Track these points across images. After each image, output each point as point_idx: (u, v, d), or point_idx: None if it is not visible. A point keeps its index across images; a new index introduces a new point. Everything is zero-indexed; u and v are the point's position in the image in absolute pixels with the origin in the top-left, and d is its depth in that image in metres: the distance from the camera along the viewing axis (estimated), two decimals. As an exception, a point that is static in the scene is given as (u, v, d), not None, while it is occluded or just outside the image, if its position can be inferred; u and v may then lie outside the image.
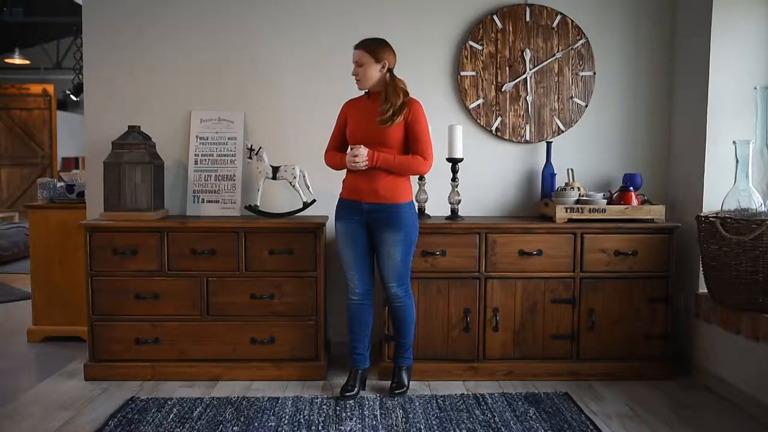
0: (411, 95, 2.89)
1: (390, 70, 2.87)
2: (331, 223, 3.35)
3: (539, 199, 3.55)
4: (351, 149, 2.83)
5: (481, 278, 3.17)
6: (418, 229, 2.94)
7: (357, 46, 2.87)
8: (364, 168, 2.80)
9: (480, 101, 3.52)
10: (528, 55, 3.51)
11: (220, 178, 3.47)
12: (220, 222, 3.16)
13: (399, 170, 2.84)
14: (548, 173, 3.47)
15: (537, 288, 3.17)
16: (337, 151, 3.00)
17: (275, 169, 3.30)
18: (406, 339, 3.01)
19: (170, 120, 3.52)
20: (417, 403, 2.85)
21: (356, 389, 2.92)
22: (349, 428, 2.60)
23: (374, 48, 2.84)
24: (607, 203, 3.24)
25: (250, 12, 3.49)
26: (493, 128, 3.53)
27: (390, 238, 2.84)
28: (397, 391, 2.94)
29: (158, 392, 2.99)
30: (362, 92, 2.97)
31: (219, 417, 2.68)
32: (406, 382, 2.99)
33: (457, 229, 3.16)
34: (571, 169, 3.50)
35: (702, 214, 2.91)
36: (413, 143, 2.86)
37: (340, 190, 2.97)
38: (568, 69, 3.52)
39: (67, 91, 10.25)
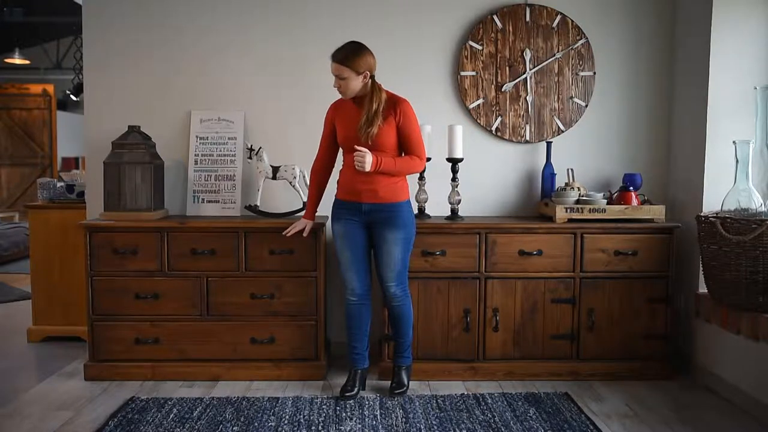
0: (408, 95, 2.88)
1: (372, 77, 2.81)
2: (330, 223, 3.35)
3: (539, 199, 3.55)
4: (356, 150, 2.76)
5: (481, 278, 3.17)
6: (416, 228, 2.95)
7: (335, 60, 2.76)
8: (367, 170, 2.75)
9: (480, 101, 3.52)
10: (528, 55, 3.51)
11: (220, 178, 3.47)
12: (220, 222, 3.16)
13: (399, 173, 2.84)
14: (548, 173, 3.47)
15: (537, 288, 3.17)
16: (325, 158, 2.99)
17: (275, 169, 3.30)
18: (405, 338, 3.01)
19: (170, 120, 3.52)
20: (417, 403, 2.85)
21: (356, 389, 2.92)
22: (349, 428, 2.60)
23: (353, 60, 2.73)
24: (607, 203, 3.24)
25: (250, 12, 3.49)
26: (493, 128, 3.53)
27: (390, 237, 2.85)
28: (397, 391, 2.94)
29: (158, 392, 2.99)
30: None
31: (219, 417, 2.68)
32: (405, 382, 2.99)
33: (457, 229, 3.16)
34: (571, 169, 3.50)
35: (702, 214, 2.91)
36: (407, 144, 2.84)
37: (336, 190, 2.97)
38: (568, 69, 3.52)
39: (67, 91, 10.26)
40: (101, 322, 3.14)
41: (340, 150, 2.97)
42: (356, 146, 2.77)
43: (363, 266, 2.95)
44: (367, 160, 2.73)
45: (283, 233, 3.02)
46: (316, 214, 3.38)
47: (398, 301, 2.94)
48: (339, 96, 2.90)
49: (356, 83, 2.77)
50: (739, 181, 2.91)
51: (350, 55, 2.75)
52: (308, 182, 3.33)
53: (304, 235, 3.03)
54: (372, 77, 2.80)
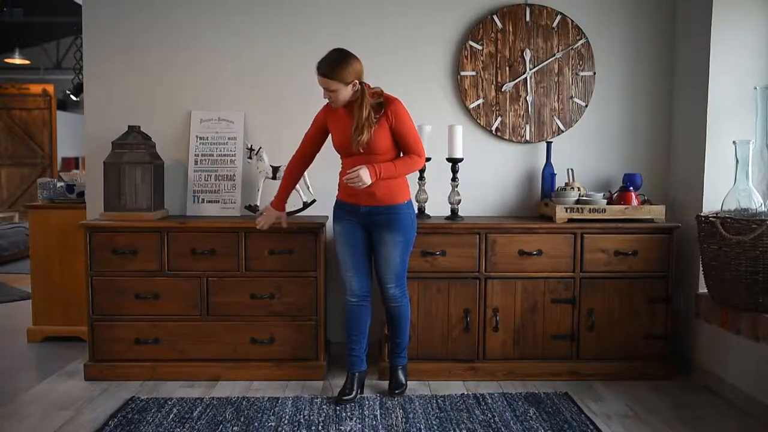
0: (408, 95, 2.86)
1: (361, 83, 2.73)
2: (331, 223, 3.35)
3: (539, 199, 3.55)
4: (348, 170, 2.73)
5: (481, 278, 3.17)
6: (416, 229, 2.93)
7: (321, 74, 2.67)
8: (368, 184, 2.70)
9: (480, 101, 3.52)
10: (528, 55, 3.51)
11: (220, 178, 3.47)
12: (220, 222, 3.16)
13: (402, 175, 2.81)
14: (548, 173, 3.47)
15: (537, 288, 3.17)
16: (306, 155, 2.97)
17: (275, 169, 3.31)
18: (402, 339, 3.00)
19: (170, 120, 3.52)
20: (417, 403, 2.85)
21: (354, 392, 2.90)
22: (349, 428, 2.60)
23: (339, 72, 2.65)
24: (607, 203, 3.24)
25: (250, 12, 3.49)
26: (493, 128, 3.53)
27: (389, 239, 2.84)
28: (396, 391, 2.94)
29: (158, 392, 2.99)
30: None
31: (219, 417, 2.68)
32: (404, 381, 2.99)
33: (457, 229, 3.16)
34: (571, 169, 3.50)
35: (702, 214, 2.91)
36: (405, 144, 2.80)
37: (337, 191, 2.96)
38: (568, 69, 3.52)
39: (67, 91, 10.26)
40: (101, 322, 3.14)
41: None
42: (347, 170, 2.74)
43: (362, 267, 2.94)
44: (363, 176, 2.68)
45: (257, 226, 2.99)
46: (316, 213, 3.40)
47: (397, 302, 2.93)
48: None
49: (346, 93, 2.70)
50: (739, 181, 2.91)
51: (336, 66, 2.66)
52: (308, 182, 3.33)
53: (284, 226, 3.02)
54: (361, 83, 2.73)
